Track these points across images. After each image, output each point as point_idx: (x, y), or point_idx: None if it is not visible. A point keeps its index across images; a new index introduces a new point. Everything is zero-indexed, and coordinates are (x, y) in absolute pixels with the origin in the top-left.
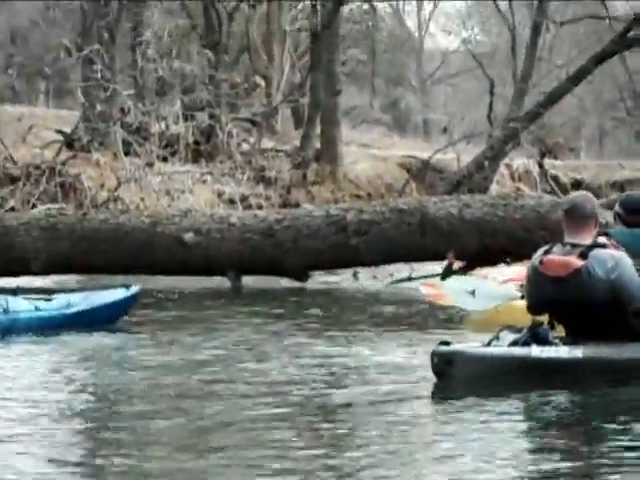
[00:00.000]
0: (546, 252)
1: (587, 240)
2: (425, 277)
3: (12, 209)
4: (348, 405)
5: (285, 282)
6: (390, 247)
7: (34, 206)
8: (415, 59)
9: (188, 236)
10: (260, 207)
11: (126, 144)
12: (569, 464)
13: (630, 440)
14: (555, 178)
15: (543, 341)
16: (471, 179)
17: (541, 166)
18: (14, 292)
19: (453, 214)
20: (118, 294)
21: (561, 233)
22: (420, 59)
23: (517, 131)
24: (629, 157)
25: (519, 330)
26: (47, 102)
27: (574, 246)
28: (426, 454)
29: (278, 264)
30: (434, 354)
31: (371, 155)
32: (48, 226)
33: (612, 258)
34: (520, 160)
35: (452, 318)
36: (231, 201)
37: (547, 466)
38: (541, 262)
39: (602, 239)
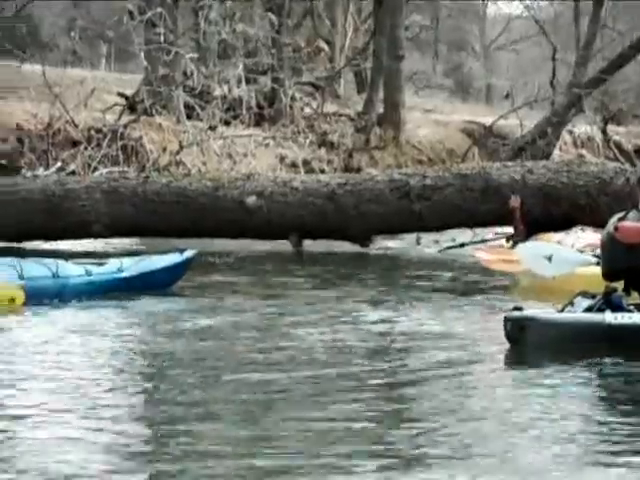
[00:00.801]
0: (620, 219)
1: None
2: (474, 243)
3: (73, 173)
4: (419, 371)
5: (347, 247)
6: (452, 212)
7: (95, 169)
8: (478, 25)
9: (250, 200)
10: (322, 171)
11: (188, 107)
12: None
13: None
14: (618, 145)
15: (617, 307)
16: (534, 145)
17: (604, 133)
18: (66, 257)
19: (516, 180)
20: (172, 259)
21: (634, 200)
22: (483, 25)
23: (580, 97)
24: None
25: (593, 296)
26: (109, 65)
27: None
28: (502, 420)
29: (340, 228)
30: (507, 320)
31: (433, 120)
32: (110, 189)
33: None
34: (583, 126)
35: (506, 284)
36: (293, 165)
37: (623, 431)
38: (616, 229)
39: None
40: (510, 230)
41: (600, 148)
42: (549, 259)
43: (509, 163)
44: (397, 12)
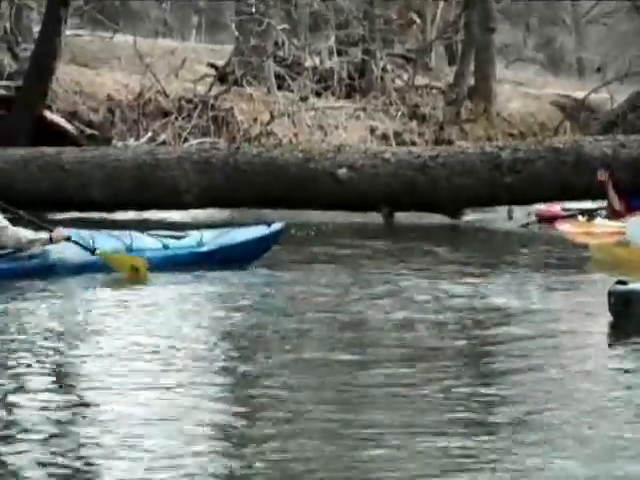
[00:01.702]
0: None
1: None
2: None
3: (163, 143)
4: (520, 345)
5: (438, 218)
6: (544, 185)
7: (186, 140)
8: None
9: (341, 171)
10: (413, 144)
11: (279, 78)
12: None
13: None
14: None
15: None
16: (625, 119)
17: None
18: (144, 230)
19: (608, 154)
20: (257, 232)
21: None
22: None
23: None
24: None
25: None
26: (199, 36)
27: None
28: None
29: (431, 201)
30: (611, 293)
31: (524, 94)
32: (200, 160)
33: None
34: None
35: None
36: (384, 137)
37: None
38: None
39: None
40: (581, 205)
41: None
42: None
43: (600, 137)
44: None
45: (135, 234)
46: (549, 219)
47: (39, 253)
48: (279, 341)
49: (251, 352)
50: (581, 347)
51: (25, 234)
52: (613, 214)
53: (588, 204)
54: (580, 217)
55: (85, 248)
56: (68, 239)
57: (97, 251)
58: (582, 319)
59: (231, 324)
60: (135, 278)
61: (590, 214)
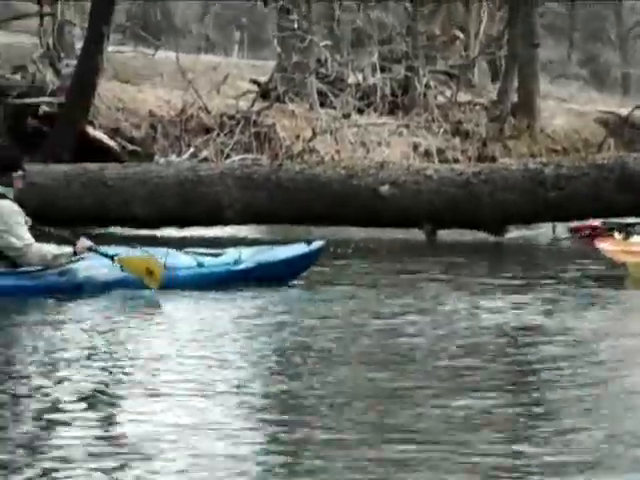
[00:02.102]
0: None
1: None
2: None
3: (205, 159)
4: (557, 365)
5: (481, 236)
6: (587, 202)
7: (228, 156)
8: (615, 12)
9: (384, 188)
10: (456, 160)
11: (322, 95)
12: None
13: None
14: None
15: None
16: None
17: None
18: (180, 247)
19: None
20: (297, 250)
21: None
22: (620, 12)
23: None
24: None
25: None
26: (242, 52)
27: None
28: None
29: (474, 217)
30: None
31: (568, 110)
32: (243, 176)
33: None
34: None
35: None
36: (427, 154)
37: None
38: None
39: None
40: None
41: None
42: None
43: None
44: None
45: (170, 251)
46: (585, 234)
47: (67, 270)
48: (324, 360)
49: (294, 370)
50: (628, 367)
51: (49, 249)
52: None
53: (632, 220)
54: (617, 234)
55: (105, 255)
56: (90, 249)
57: (116, 257)
58: (624, 338)
59: (273, 342)
60: (150, 281)
61: (627, 232)
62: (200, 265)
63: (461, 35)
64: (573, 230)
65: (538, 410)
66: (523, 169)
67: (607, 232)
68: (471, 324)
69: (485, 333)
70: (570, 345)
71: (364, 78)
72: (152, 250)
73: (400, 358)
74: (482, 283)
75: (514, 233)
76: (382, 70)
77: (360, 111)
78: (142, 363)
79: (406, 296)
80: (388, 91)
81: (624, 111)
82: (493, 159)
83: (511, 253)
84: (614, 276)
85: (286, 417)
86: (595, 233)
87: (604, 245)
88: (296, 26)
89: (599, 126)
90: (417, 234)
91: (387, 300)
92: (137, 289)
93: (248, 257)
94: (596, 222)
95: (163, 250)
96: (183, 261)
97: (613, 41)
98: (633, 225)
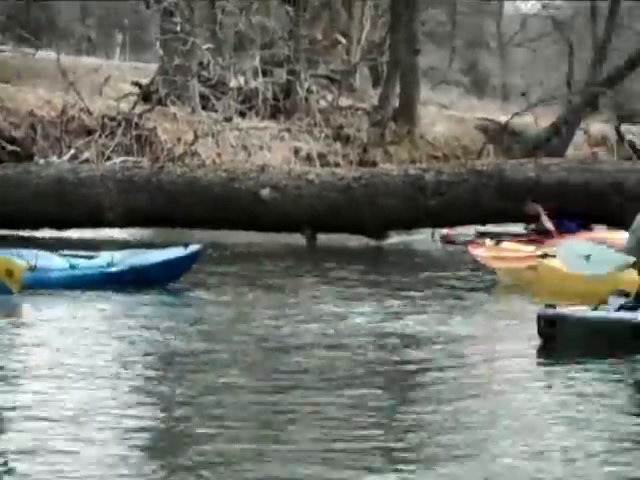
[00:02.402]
0: None
1: None
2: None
3: (87, 161)
4: (449, 368)
5: (362, 240)
6: (467, 208)
7: (109, 158)
8: (495, 22)
9: (265, 192)
10: (337, 165)
11: (203, 98)
12: None
13: None
14: (632, 144)
15: None
16: (548, 143)
17: (618, 132)
18: (55, 249)
19: (531, 177)
20: (172, 253)
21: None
22: (500, 22)
23: (595, 96)
24: None
25: (627, 295)
26: (124, 55)
27: None
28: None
29: (355, 222)
30: (540, 317)
31: (449, 116)
32: (124, 178)
33: None
34: (598, 125)
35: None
36: (308, 158)
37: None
38: None
39: None
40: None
41: (614, 147)
42: (587, 258)
43: (523, 160)
44: (414, 6)
45: (42, 253)
46: (450, 241)
47: None
48: (200, 364)
49: (172, 374)
50: (510, 371)
51: None
52: (545, 237)
53: (512, 227)
54: (488, 241)
55: None
56: None
57: None
58: (495, 341)
59: (148, 345)
60: (10, 282)
61: (498, 238)
62: (73, 267)
63: (343, 40)
64: (443, 237)
65: (388, 404)
66: (404, 175)
67: (481, 238)
68: (341, 327)
69: (354, 335)
70: (437, 348)
71: (246, 82)
72: (22, 252)
73: (264, 359)
74: (355, 287)
75: (395, 238)
76: (264, 74)
77: (242, 114)
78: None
79: (279, 300)
80: (270, 95)
81: (503, 118)
82: (374, 164)
83: (389, 258)
84: (485, 281)
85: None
86: (467, 240)
87: (477, 251)
88: (179, 29)
89: (479, 133)
90: (299, 238)
91: (259, 303)
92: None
93: (121, 260)
94: (470, 229)
95: (33, 252)
96: (56, 263)
97: (493, 49)
98: (503, 234)
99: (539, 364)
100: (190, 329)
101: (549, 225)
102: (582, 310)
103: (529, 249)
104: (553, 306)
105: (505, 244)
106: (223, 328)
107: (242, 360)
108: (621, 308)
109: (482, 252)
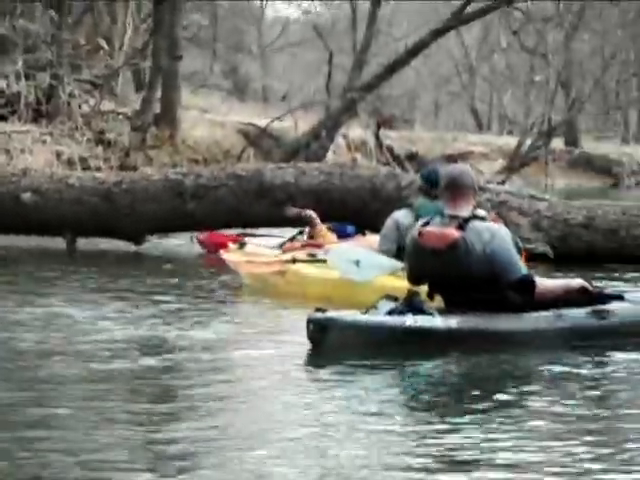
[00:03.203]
0: (425, 224)
1: (465, 212)
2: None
3: None
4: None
5: (122, 245)
6: (226, 212)
7: None
8: (256, 26)
9: (26, 196)
10: (99, 169)
11: None
12: (444, 432)
13: (497, 406)
14: (390, 149)
15: (419, 311)
16: (308, 148)
17: (377, 137)
18: None
19: (290, 182)
20: None
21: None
22: (261, 27)
23: (354, 101)
24: (462, 131)
25: (396, 299)
26: None
27: (452, 218)
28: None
29: (115, 227)
30: (310, 321)
31: (210, 120)
32: None
33: (489, 230)
34: (357, 130)
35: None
36: (70, 162)
37: (422, 438)
38: (420, 234)
39: (481, 211)
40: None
41: (373, 152)
42: (357, 264)
43: (283, 165)
44: (176, 11)
45: None
46: (206, 244)
47: None
48: None
49: None
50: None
51: None
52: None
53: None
54: (231, 245)
55: None
56: None
57: None
58: (238, 348)
59: None
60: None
61: (241, 242)
62: None
63: (105, 45)
64: (199, 240)
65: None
66: (164, 179)
67: (234, 242)
68: (91, 335)
69: (96, 342)
70: (183, 355)
71: (8, 85)
72: None
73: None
74: (108, 290)
75: (154, 242)
76: (27, 78)
77: (4, 118)
78: None
79: (20, 304)
80: (32, 99)
81: (264, 122)
82: (135, 168)
83: (146, 263)
84: (233, 286)
85: None
86: (218, 243)
87: (226, 255)
88: None
89: (240, 137)
90: (61, 243)
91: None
92: None
93: None
94: (224, 233)
95: None
96: None
97: (254, 53)
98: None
99: (306, 370)
100: None
101: (321, 230)
102: (351, 314)
103: (274, 253)
104: (323, 310)
105: (249, 247)
106: None
107: None
108: (391, 312)
109: (229, 256)
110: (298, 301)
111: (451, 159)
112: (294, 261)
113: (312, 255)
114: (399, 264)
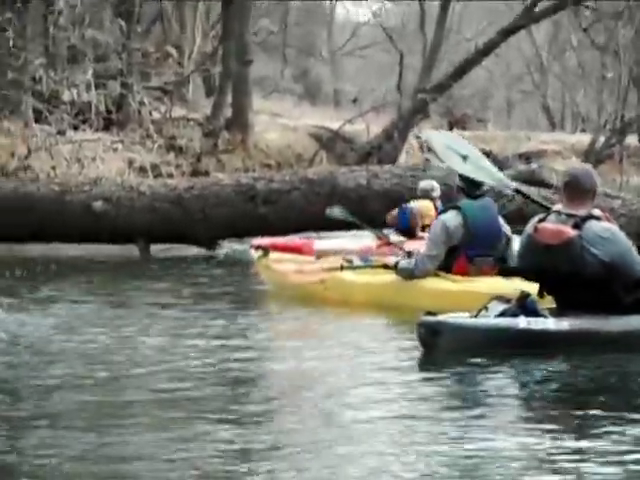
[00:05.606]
0: (541, 220)
1: (582, 212)
2: None
3: None
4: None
5: (195, 250)
6: (299, 216)
7: None
8: (326, 30)
9: (97, 204)
10: (170, 175)
11: (37, 112)
12: (556, 434)
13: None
14: None
15: (531, 312)
16: (380, 150)
17: None
18: None
19: (362, 184)
20: None
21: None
22: (331, 30)
23: (426, 102)
24: (535, 129)
25: (508, 301)
26: None
27: (569, 216)
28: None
29: (187, 232)
30: (420, 324)
31: (281, 125)
32: None
33: (608, 230)
34: (429, 131)
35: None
36: (142, 169)
37: (533, 439)
38: (535, 229)
39: (597, 211)
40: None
41: None
42: (464, 158)
43: (355, 167)
44: (245, 17)
45: None
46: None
47: None
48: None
49: None
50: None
51: None
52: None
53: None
54: (253, 251)
55: None
56: None
57: None
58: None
59: None
60: None
61: (265, 249)
62: None
63: (174, 52)
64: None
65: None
66: (235, 184)
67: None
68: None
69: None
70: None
71: (79, 95)
72: None
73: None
74: (195, 300)
75: (226, 248)
76: (97, 87)
77: (75, 128)
78: None
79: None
80: (103, 107)
81: (335, 125)
82: (207, 174)
83: (218, 269)
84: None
85: None
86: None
87: (274, 265)
88: (11, 44)
89: (312, 140)
90: (133, 250)
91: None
92: None
93: None
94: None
95: None
96: None
97: (325, 57)
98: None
99: (418, 373)
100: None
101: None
102: (462, 317)
103: (308, 259)
104: (434, 313)
105: (272, 255)
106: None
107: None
108: (502, 315)
109: (278, 266)
110: (344, 309)
111: (525, 158)
112: (342, 268)
113: (349, 261)
114: (510, 183)
